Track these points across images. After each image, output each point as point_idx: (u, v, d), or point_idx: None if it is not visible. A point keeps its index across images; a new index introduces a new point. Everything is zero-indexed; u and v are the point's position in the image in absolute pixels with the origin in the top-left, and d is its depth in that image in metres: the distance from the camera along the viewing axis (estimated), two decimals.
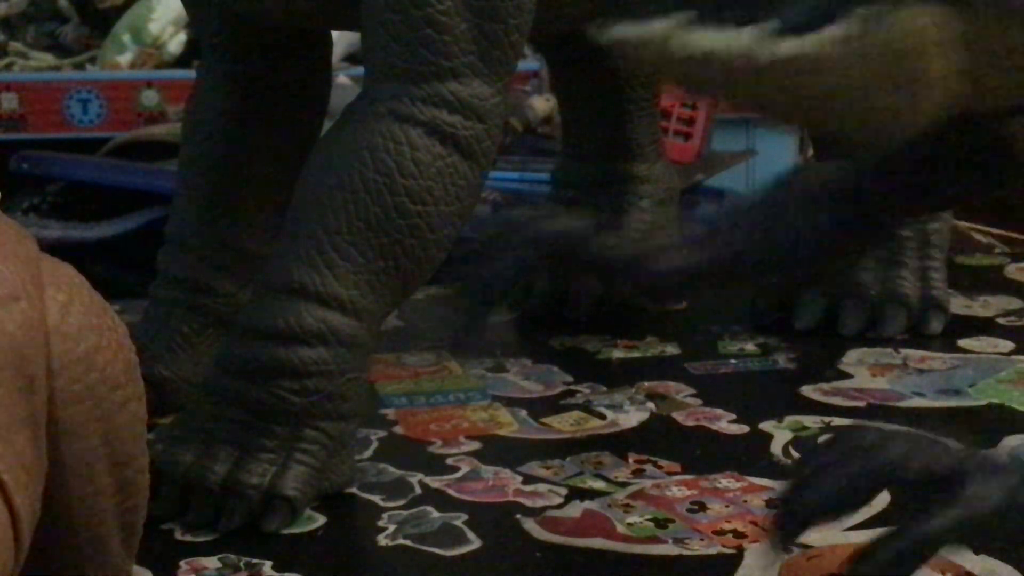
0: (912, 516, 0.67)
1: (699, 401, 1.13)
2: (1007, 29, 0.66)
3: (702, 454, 1.03)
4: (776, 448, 1.03)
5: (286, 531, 0.91)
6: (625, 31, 0.63)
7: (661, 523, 0.91)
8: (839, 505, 0.67)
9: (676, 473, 0.99)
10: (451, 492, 0.96)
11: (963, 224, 1.62)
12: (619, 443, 1.05)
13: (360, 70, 1.16)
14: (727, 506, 0.93)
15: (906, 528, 0.67)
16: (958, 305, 1.35)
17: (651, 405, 1.12)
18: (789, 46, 0.62)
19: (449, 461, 1.02)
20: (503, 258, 0.77)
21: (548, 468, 1.00)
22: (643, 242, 0.80)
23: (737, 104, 0.75)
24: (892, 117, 0.66)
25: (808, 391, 1.15)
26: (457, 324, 0.80)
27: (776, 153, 2.16)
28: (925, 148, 0.76)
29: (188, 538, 0.90)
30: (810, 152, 1.74)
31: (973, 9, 0.65)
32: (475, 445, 1.05)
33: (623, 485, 0.97)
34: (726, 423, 1.09)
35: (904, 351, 1.25)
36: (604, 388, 1.16)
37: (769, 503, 0.94)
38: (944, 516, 0.66)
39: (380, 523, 0.92)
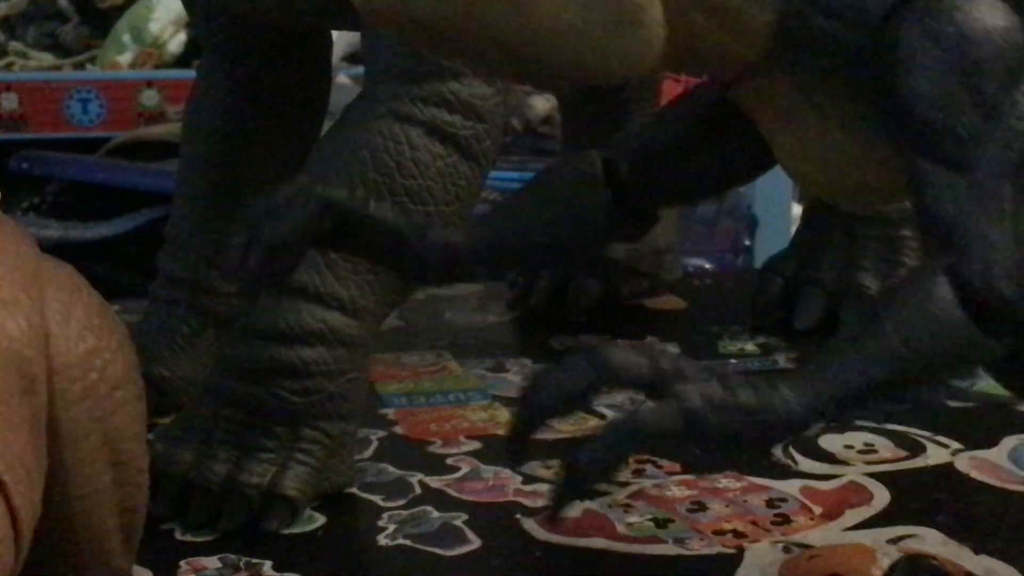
0: (627, 414, 0.69)
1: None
2: None
3: (702, 454, 1.03)
4: (776, 448, 1.03)
5: (286, 531, 0.91)
6: None
7: (661, 523, 0.91)
8: (564, 403, 0.71)
9: (676, 473, 0.99)
10: (451, 492, 0.96)
11: None
12: None
13: (360, 70, 1.16)
14: (727, 506, 0.93)
15: (620, 420, 0.69)
16: None
17: (651, 405, 1.12)
18: None
19: (449, 461, 1.02)
20: (293, 218, 0.77)
21: (548, 468, 1.00)
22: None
23: (448, 48, 0.74)
24: (599, 62, 0.67)
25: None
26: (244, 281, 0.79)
27: None
28: (679, 140, 0.77)
29: (188, 538, 0.90)
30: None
31: None
32: (475, 445, 1.05)
33: (623, 485, 0.97)
34: None
35: None
36: (604, 388, 1.16)
37: (769, 503, 0.94)
38: (655, 410, 0.67)
39: (380, 523, 0.92)
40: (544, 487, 0.97)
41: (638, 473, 0.99)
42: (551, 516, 0.72)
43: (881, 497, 0.94)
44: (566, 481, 0.71)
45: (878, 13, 0.69)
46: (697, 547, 0.88)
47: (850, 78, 0.71)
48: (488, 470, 1.00)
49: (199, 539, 0.90)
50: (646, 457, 1.02)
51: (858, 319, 0.67)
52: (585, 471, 0.70)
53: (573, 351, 0.71)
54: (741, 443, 0.67)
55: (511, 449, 0.74)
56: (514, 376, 1.19)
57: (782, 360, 1.23)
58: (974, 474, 0.98)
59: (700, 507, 0.93)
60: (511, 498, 0.96)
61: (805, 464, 1.00)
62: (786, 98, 0.73)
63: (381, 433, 1.07)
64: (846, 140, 0.73)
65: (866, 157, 0.73)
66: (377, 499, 0.96)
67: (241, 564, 0.87)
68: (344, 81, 2.05)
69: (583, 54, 0.67)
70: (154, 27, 2.32)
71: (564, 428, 1.08)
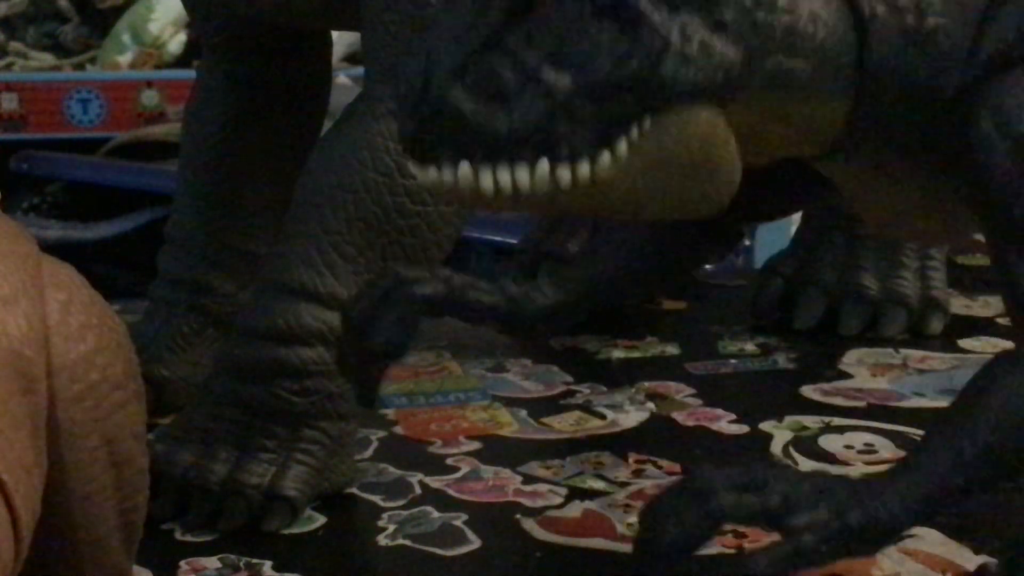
0: (739, 559, 0.71)
1: (699, 401, 1.13)
2: (790, 105, 0.70)
3: (702, 454, 1.03)
4: (776, 448, 1.03)
5: (286, 531, 0.91)
6: (428, 177, 0.66)
7: None
8: (682, 549, 0.71)
9: (676, 473, 0.99)
10: (451, 492, 0.96)
11: None
12: (619, 443, 1.05)
13: (360, 70, 1.16)
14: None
15: (734, 566, 0.71)
16: (958, 305, 1.35)
17: (651, 405, 1.12)
18: (577, 173, 0.65)
19: (449, 461, 1.02)
20: (386, 321, 0.81)
21: (548, 468, 1.00)
22: (510, 291, 0.85)
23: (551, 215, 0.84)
24: (689, 209, 0.70)
25: (808, 391, 1.15)
26: (354, 383, 0.85)
27: None
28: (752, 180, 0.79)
29: (188, 538, 0.90)
30: None
31: (753, 98, 0.68)
32: (475, 445, 1.05)
33: (623, 485, 0.97)
34: (726, 423, 1.09)
35: (904, 351, 1.25)
36: (604, 388, 1.16)
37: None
38: (772, 553, 0.69)
39: (380, 523, 0.92)
40: (543, 487, 0.97)
41: (638, 473, 0.99)
42: None
43: None
44: None
45: (949, 93, 0.71)
46: None
47: (921, 150, 0.73)
48: (488, 470, 1.00)
49: (199, 539, 0.90)
50: (646, 457, 1.02)
51: (951, 414, 0.69)
52: None
53: (679, 487, 0.72)
54: (852, 557, 0.70)
55: None
56: (514, 376, 1.19)
57: (782, 360, 1.23)
58: None
59: None
60: (511, 498, 0.96)
61: (805, 464, 1.00)
62: (857, 169, 0.76)
63: (381, 433, 1.07)
64: (916, 198, 0.76)
65: (935, 210, 0.76)
66: (377, 499, 0.96)
67: (241, 564, 0.87)
68: (344, 81, 2.05)
69: (677, 211, 0.70)
70: (154, 27, 2.32)
71: (564, 428, 1.08)
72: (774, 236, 1.96)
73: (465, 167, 0.65)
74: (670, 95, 0.66)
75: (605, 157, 0.65)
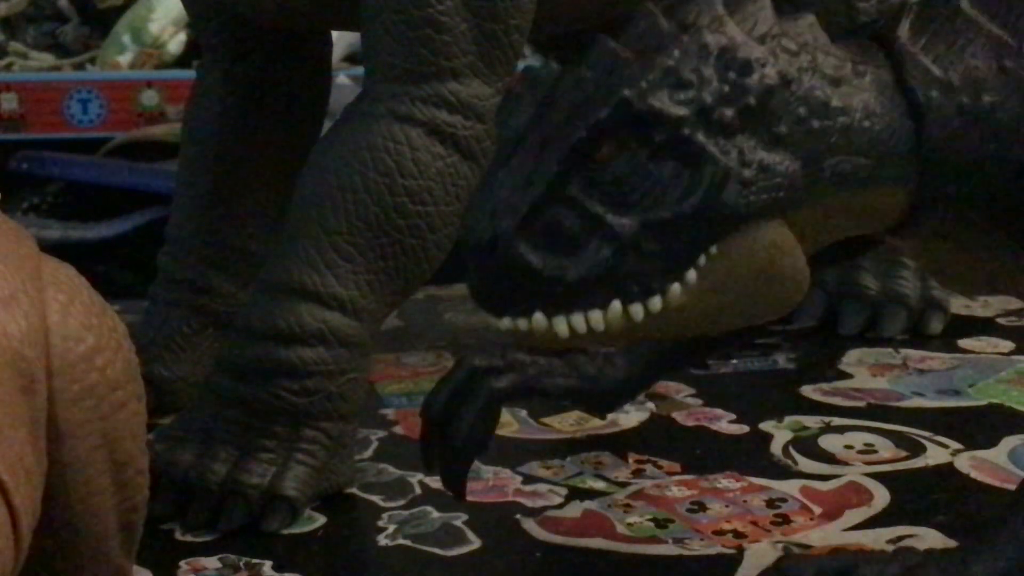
0: None
1: (699, 401, 1.13)
2: (854, 199, 0.72)
3: (702, 454, 1.03)
4: (776, 448, 1.03)
5: (286, 531, 0.91)
6: (505, 326, 0.68)
7: (661, 523, 0.91)
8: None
9: (676, 473, 0.99)
10: (451, 492, 0.96)
11: None
12: (619, 443, 1.05)
13: (360, 70, 1.16)
14: (727, 506, 0.93)
15: None
16: (958, 305, 1.35)
17: (651, 405, 1.12)
18: (650, 307, 0.67)
19: None
20: (466, 417, 0.84)
21: (548, 468, 1.00)
22: (586, 370, 0.88)
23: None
24: (765, 315, 0.72)
25: (808, 391, 1.15)
26: (442, 478, 0.89)
27: None
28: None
29: (188, 538, 0.90)
30: None
31: (818, 201, 0.70)
32: None
33: (623, 485, 0.97)
34: (726, 423, 1.09)
35: (904, 351, 1.25)
36: None
37: (769, 503, 0.94)
38: None
39: (380, 523, 0.92)
40: (543, 487, 0.97)
41: (638, 473, 0.99)
42: None
43: (881, 497, 0.94)
44: None
45: (1014, 166, 0.73)
46: (697, 547, 0.88)
47: (987, 221, 0.75)
48: (488, 470, 1.00)
49: (199, 539, 0.90)
50: (646, 457, 1.02)
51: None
52: None
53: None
54: None
55: None
56: None
57: (782, 360, 1.23)
58: (974, 474, 0.98)
59: (700, 507, 0.93)
60: (511, 498, 0.96)
61: (805, 464, 1.00)
62: (924, 241, 0.77)
63: (381, 433, 1.07)
64: (983, 260, 0.78)
65: (1001, 270, 0.78)
66: (377, 499, 0.96)
67: (241, 564, 0.87)
68: (344, 81, 2.05)
69: (752, 319, 0.72)
70: (154, 27, 2.31)
71: (564, 428, 1.08)
72: None
73: (539, 317, 0.67)
74: (735, 221, 0.67)
75: (675, 288, 0.67)
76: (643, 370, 0.90)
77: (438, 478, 0.98)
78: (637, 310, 0.67)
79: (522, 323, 0.67)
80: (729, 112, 0.68)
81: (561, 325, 0.67)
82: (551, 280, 0.67)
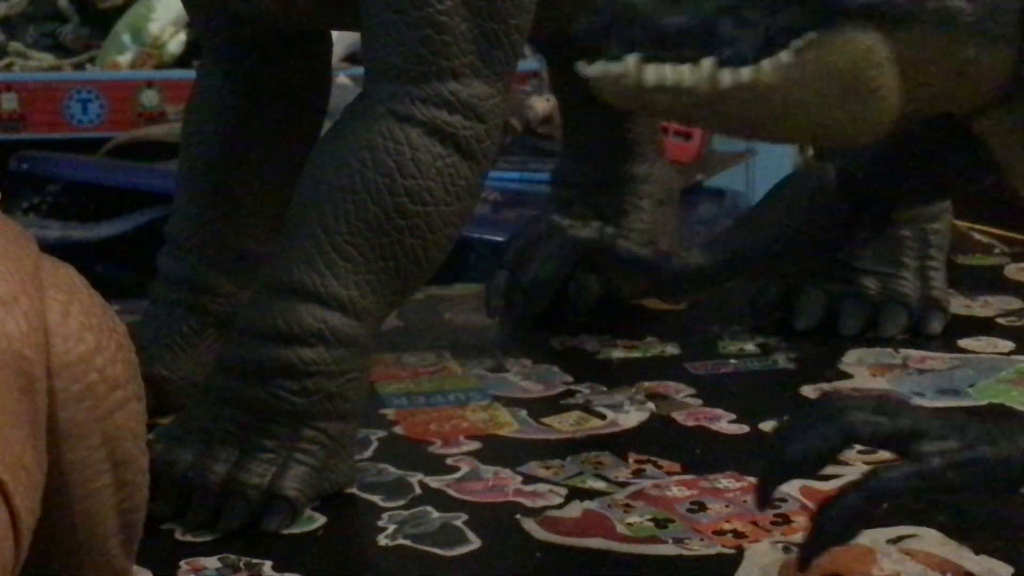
0: (871, 473, 0.73)
1: (699, 401, 1.13)
2: (954, 46, 0.71)
3: (702, 454, 1.03)
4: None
5: (286, 531, 0.91)
6: (594, 69, 0.69)
7: (661, 523, 0.91)
8: (810, 461, 0.74)
9: (676, 473, 0.99)
10: (451, 492, 0.96)
11: (963, 224, 1.62)
12: (619, 443, 1.05)
13: (360, 70, 1.16)
14: (727, 506, 0.93)
15: (864, 480, 0.73)
16: (958, 305, 1.35)
17: (651, 405, 1.12)
18: (739, 75, 0.68)
19: (449, 461, 1.02)
20: (540, 257, 0.84)
21: (548, 468, 1.00)
22: (662, 246, 0.88)
23: (698, 125, 0.87)
24: (841, 131, 0.72)
25: (808, 391, 1.15)
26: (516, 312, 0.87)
27: (775, 153, 2.16)
28: (911, 147, 0.80)
29: (188, 538, 0.90)
30: (810, 152, 1.74)
31: (917, 31, 0.70)
32: (475, 445, 1.05)
33: (623, 485, 0.97)
34: (726, 423, 1.09)
35: (904, 351, 1.24)
36: (604, 388, 1.16)
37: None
38: (896, 471, 0.71)
39: (380, 523, 0.92)
40: (543, 487, 0.97)
41: (638, 473, 0.99)
42: (801, 568, 0.75)
43: None
44: (815, 535, 0.74)
45: None
46: (697, 547, 0.88)
47: None
48: (488, 470, 1.00)
49: (199, 539, 0.90)
50: (646, 457, 1.02)
51: None
52: (833, 527, 0.73)
53: (814, 406, 0.75)
54: (983, 495, 0.72)
55: (759, 496, 0.77)
56: (514, 376, 1.19)
57: (782, 360, 1.23)
58: None
59: (700, 507, 0.93)
60: (511, 498, 0.96)
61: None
62: (1015, 129, 0.76)
63: (381, 433, 1.07)
64: None
65: None
66: (377, 499, 0.96)
67: (241, 564, 0.87)
68: (344, 81, 2.05)
69: (830, 132, 0.72)
70: (154, 27, 2.31)
71: (564, 428, 1.08)
72: None
73: (633, 59, 0.67)
74: (836, 14, 0.67)
75: (767, 64, 0.67)
76: (717, 265, 0.90)
77: (438, 477, 0.99)
78: (726, 75, 0.67)
79: (615, 66, 0.68)
80: None
81: (651, 72, 0.67)
82: (652, 23, 0.67)
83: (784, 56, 0.67)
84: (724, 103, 0.69)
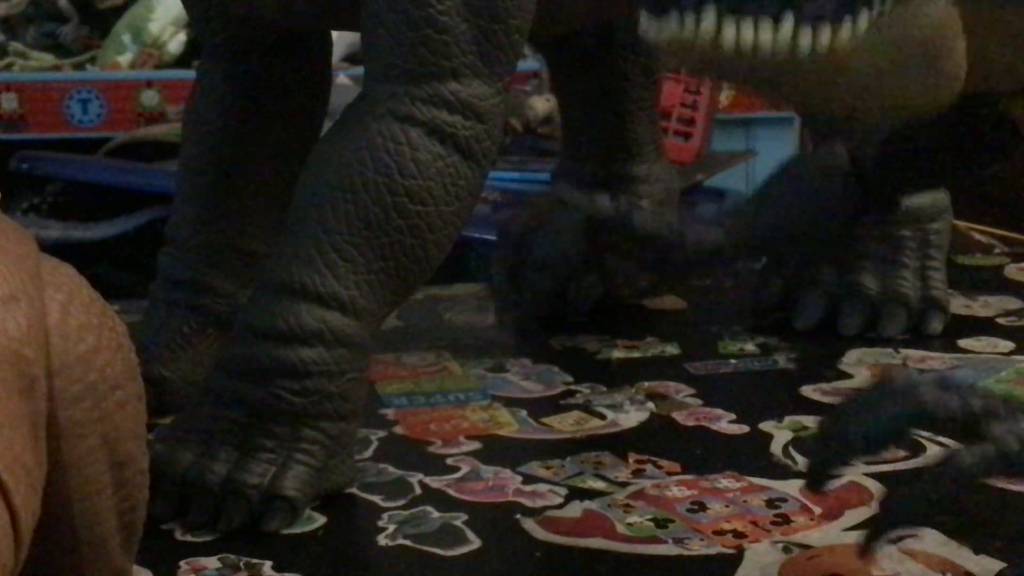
0: (946, 455, 0.71)
1: (699, 401, 1.13)
2: (1014, 17, 0.70)
3: (702, 454, 1.03)
4: (776, 448, 1.03)
5: (286, 531, 0.91)
6: (664, 33, 0.66)
7: (661, 523, 0.91)
8: (877, 441, 0.71)
9: (676, 473, 0.99)
10: (451, 492, 0.96)
11: (963, 224, 1.62)
12: (619, 443, 1.05)
13: (360, 70, 1.16)
14: (727, 506, 0.93)
15: (940, 463, 0.71)
16: (958, 305, 1.35)
17: (651, 405, 1.12)
18: (819, 39, 0.65)
19: (449, 461, 1.02)
20: (545, 233, 0.81)
21: (548, 468, 1.00)
22: (675, 225, 0.85)
23: (773, 96, 0.84)
24: (915, 101, 0.71)
25: (808, 391, 1.15)
26: (511, 305, 0.84)
27: (776, 153, 2.16)
28: (930, 127, 0.79)
29: (188, 538, 0.90)
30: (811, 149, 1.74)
31: (989, 4, 0.70)
32: (475, 445, 1.05)
33: (623, 485, 0.97)
34: (726, 423, 1.09)
35: (904, 351, 1.24)
36: (604, 388, 1.16)
37: (769, 503, 0.94)
38: (973, 452, 0.69)
39: (380, 523, 0.92)
40: (543, 487, 0.97)
41: (638, 473, 0.99)
42: (865, 551, 0.74)
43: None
44: (884, 518, 0.73)
45: None
46: (697, 547, 0.88)
47: None
48: (488, 470, 1.00)
49: (199, 539, 0.90)
50: (646, 457, 1.02)
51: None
52: (905, 511, 0.72)
53: (881, 385, 0.72)
54: None
55: (812, 480, 0.75)
56: (514, 376, 1.19)
57: (782, 360, 1.23)
58: None
59: (700, 507, 0.93)
60: (511, 498, 0.96)
61: (805, 464, 1.00)
62: None
63: (381, 433, 1.07)
64: None
65: None
66: (377, 499, 0.96)
67: (241, 564, 0.87)
68: (344, 81, 2.05)
69: (899, 101, 0.71)
70: (154, 27, 2.31)
71: (564, 428, 1.08)
72: None
73: (711, 15, 0.64)
74: None
75: (847, 28, 0.65)
76: (731, 245, 0.88)
77: (438, 476, 0.99)
78: (806, 36, 0.65)
79: (689, 23, 0.65)
80: None
81: (728, 35, 0.64)
82: None
83: (862, 21, 0.66)
84: (801, 69, 0.66)
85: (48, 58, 2.38)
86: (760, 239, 0.88)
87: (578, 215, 0.81)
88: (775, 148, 2.25)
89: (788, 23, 0.65)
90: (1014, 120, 0.79)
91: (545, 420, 1.10)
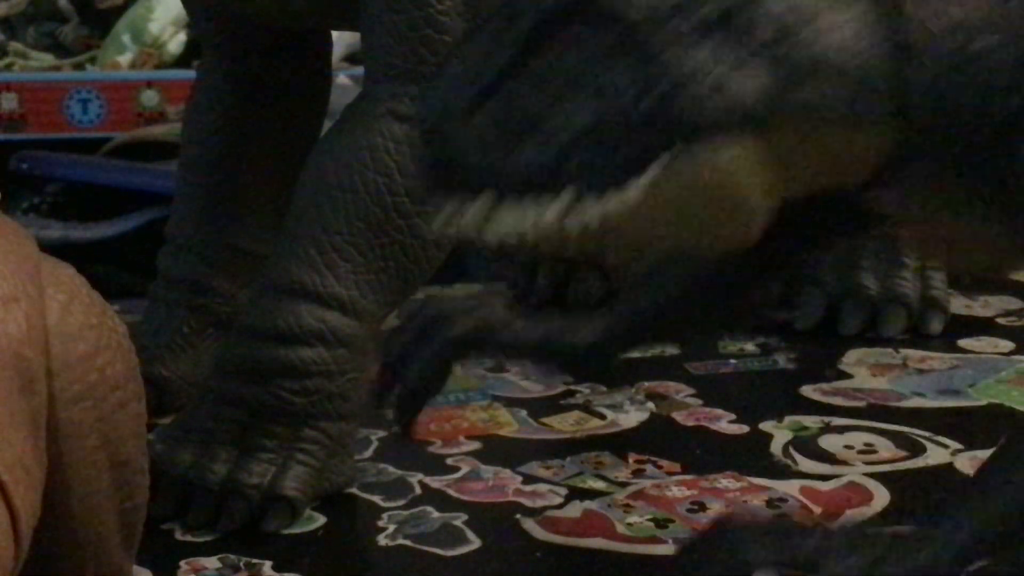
0: None
1: (699, 401, 1.13)
2: (824, 134, 0.67)
3: (702, 454, 1.03)
4: (776, 448, 1.03)
5: (286, 531, 0.91)
6: (438, 221, 0.64)
7: (661, 523, 0.91)
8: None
9: (676, 473, 0.99)
10: (451, 492, 0.96)
11: None
12: (619, 443, 1.05)
13: (360, 70, 1.16)
14: (727, 506, 0.93)
15: None
16: (958, 305, 1.35)
17: (651, 405, 1.12)
18: (586, 219, 0.63)
19: (449, 461, 1.02)
20: (421, 359, 0.81)
21: (548, 468, 1.00)
22: (550, 321, 0.82)
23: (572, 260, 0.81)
24: (715, 244, 0.68)
25: (808, 391, 1.15)
26: (393, 417, 0.84)
27: None
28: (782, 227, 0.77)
29: (188, 538, 0.90)
30: None
31: (785, 128, 0.65)
32: (475, 445, 1.05)
33: (623, 485, 0.97)
34: (726, 423, 1.09)
35: (904, 351, 1.25)
36: (604, 388, 1.16)
37: (769, 503, 0.94)
38: None
39: (380, 523, 0.92)
40: (543, 487, 0.97)
41: (638, 473, 0.99)
42: None
43: (881, 497, 0.94)
44: None
45: (998, 119, 0.67)
46: None
47: (973, 177, 0.69)
48: (488, 470, 1.00)
49: (199, 539, 0.90)
50: (646, 457, 1.02)
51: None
52: None
53: (710, 536, 0.71)
54: None
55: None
56: (514, 376, 1.19)
57: (782, 360, 1.23)
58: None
59: (700, 507, 0.93)
60: (511, 498, 0.96)
61: (805, 464, 1.00)
62: (908, 200, 0.73)
63: (381, 433, 1.07)
64: (973, 228, 0.73)
65: (993, 238, 0.73)
66: (377, 499, 0.96)
67: (241, 564, 0.87)
68: (344, 81, 2.05)
69: (702, 244, 0.68)
70: (154, 27, 2.31)
71: (564, 428, 1.08)
72: None
73: (482, 204, 0.63)
74: (689, 131, 0.63)
75: (625, 193, 0.63)
76: (621, 332, 0.83)
77: (438, 476, 0.99)
78: (586, 206, 0.63)
79: (466, 211, 0.63)
80: (691, 22, 0.63)
81: (494, 225, 0.63)
82: (498, 166, 0.63)
83: (641, 182, 0.63)
84: (590, 235, 0.63)
85: (48, 58, 2.38)
86: (647, 324, 0.83)
87: (443, 343, 0.80)
88: None
89: (561, 201, 0.63)
90: (867, 211, 0.77)
91: (545, 420, 1.10)
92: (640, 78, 0.63)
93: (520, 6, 0.65)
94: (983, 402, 1.12)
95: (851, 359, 1.23)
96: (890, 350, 1.25)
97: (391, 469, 1.00)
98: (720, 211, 0.66)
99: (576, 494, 0.96)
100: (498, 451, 1.04)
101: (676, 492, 0.96)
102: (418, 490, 0.97)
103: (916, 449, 1.02)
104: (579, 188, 0.63)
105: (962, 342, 1.27)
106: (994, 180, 0.69)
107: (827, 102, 0.66)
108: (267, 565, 0.86)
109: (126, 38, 2.34)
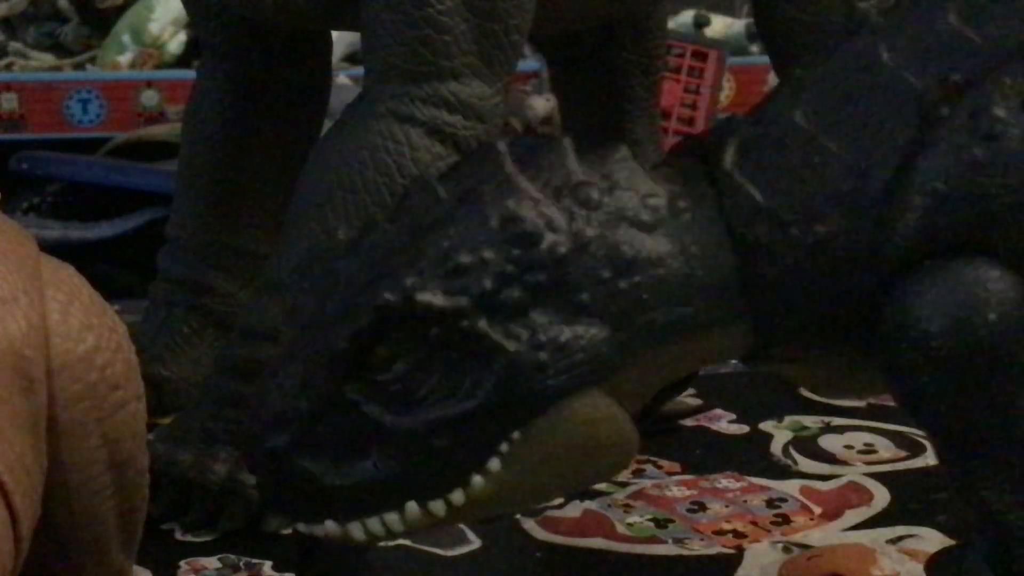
0: None
1: (699, 401, 1.13)
2: (675, 346, 0.67)
3: (702, 454, 1.03)
4: (776, 448, 1.03)
5: (286, 531, 0.91)
6: (306, 531, 0.66)
7: (661, 523, 0.91)
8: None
9: (676, 473, 0.99)
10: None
11: None
12: None
13: (360, 70, 1.16)
14: (727, 506, 0.93)
15: None
16: None
17: None
18: (438, 509, 0.65)
19: None
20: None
21: None
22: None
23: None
24: (594, 478, 0.70)
25: (808, 391, 1.15)
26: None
27: None
28: None
29: (188, 538, 0.90)
30: None
31: (633, 361, 0.66)
32: None
33: (623, 485, 0.97)
34: (726, 423, 1.09)
35: None
36: None
37: (769, 503, 0.94)
38: None
39: None
40: None
41: (638, 473, 0.99)
42: None
43: (881, 497, 0.94)
44: None
45: (857, 296, 0.67)
46: (697, 547, 0.88)
47: (837, 344, 0.69)
48: None
49: (199, 539, 0.90)
50: (646, 457, 1.02)
51: None
52: None
53: None
54: None
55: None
56: None
57: None
58: None
59: (700, 507, 0.93)
60: None
61: (805, 464, 1.00)
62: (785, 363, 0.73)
63: None
64: (844, 376, 0.73)
65: (864, 381, 0.73)
66: None
67: (241, 564, 0.87)
68: (344, 81, 2.04)
69: (580, 487, 0.72)
70: (154, 27, 2.31)
71: None
72: None
73: (331, 524, 0.64)
74: (533, 405, 0.63)
75: (477, 480, 0.64)
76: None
77: None
78: (437, 506, 0.64)
79: (317, 530, 0.65)
80: (515, 293, 0.63)
81: (357, 530, 0.64)
82: (336, 488, 0.64)
83: (493, 464, 0.64)
84: (454, 520, 0.66)
85: (48, 58, 2.38)
86: None
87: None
88: None
89: (412, 507, 0.64)
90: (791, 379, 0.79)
91: None
92: (472, 369, 0.63)
93: (332, 319, 0.65)
94: None
95: None
96: None
97: None
98: (591, 456, 0.66)
99: (576, 494, 0.96)
100: None
101: (676, 492, 0.96)
102: None
103: (916, 449, 1.02)
104: (429, 486, 0.64)
105: None
106: (859, 345, 0.68)
107: (677, 319, 0.66)
108: (267, 565, 0.86)
109: (126, 38, 2.33)
